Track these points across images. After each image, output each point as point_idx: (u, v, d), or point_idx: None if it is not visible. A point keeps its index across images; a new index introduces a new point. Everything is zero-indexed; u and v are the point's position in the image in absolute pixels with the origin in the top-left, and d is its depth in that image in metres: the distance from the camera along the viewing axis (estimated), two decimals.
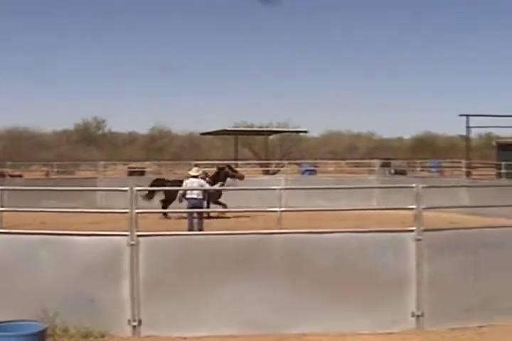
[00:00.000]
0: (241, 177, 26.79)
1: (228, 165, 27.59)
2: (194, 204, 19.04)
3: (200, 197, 19.33)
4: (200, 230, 17.40)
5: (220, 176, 26.01)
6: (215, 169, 27.10)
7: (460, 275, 10.07)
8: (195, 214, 18.81)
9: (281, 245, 9.80)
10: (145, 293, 9.60)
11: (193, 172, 20.27)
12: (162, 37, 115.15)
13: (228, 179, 26.16)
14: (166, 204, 24.68)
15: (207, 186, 19.93)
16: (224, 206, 23.72)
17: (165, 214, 23.21)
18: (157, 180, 27.36)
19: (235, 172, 27.10)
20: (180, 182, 22.53)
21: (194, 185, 19.33)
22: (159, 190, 23.65)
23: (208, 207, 23.65)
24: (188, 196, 19.50)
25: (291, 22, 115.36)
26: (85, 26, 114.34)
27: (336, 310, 9.71)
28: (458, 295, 10.03)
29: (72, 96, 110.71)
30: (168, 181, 26.16)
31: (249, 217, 21.18)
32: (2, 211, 10.18)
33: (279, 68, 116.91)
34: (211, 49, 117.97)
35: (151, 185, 25.29)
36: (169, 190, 23.48)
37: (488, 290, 10.15)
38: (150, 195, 24.35)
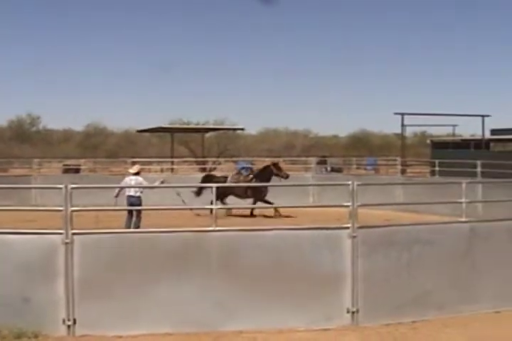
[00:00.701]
0: (286, 176, 25.58)
1: (274, 163, 26.81)
2: (132, 202, 18.91)
3: (138, 194, 19.20)
4: (138, 228, 17.31)
5: (264, 174, 25.40)
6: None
7: (394, 272, 10.22)
8: (134, 213, 18.75)
9: (217, 243, 9.82)
10: (80, 292, 9.51)
11: (133, 170, 20.15)
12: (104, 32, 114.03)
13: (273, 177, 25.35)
14: (221, 200, 23.98)
15: (145, 183, 19.78)
16: (269, 204, 23.29)
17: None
18: (207, 176, 26.94)
19: (280, 170, 25.90)
20: (226, 178, 23.27)
21: (132, 182, 19.19)
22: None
23: (254, 203, 23.52)
24: (126, 193, 19.36)
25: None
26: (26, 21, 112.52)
27: (272, 307, 9.76)
28: (392, 291, 10.18)
29: (6, 93, 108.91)
30: (217, 177, 26.02)
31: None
32: None
33: (215, 65, 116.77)
34: (145, 45, 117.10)
35: (202, 182, 24.60)
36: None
37: (420, 286, 10.34)
38: (199, 191, 24.21)
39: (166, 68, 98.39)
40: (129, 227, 17.88)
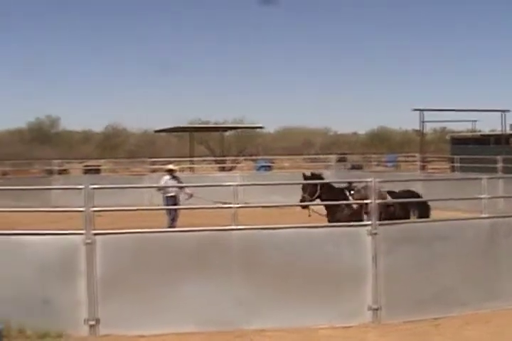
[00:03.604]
0: None
1: None
2: (172, 201, 18.90)
3: (175, 194, 19.12)
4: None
5: None
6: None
7: (415, 268, 10.19)
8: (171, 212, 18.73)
9: (238, 241, 9.82)
10: (102, 291, 9.56)
11: (171, 167, 20.14)
12: (119, 35, 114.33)
13: None
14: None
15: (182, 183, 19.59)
16: None
17: None
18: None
19: None
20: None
21: (170, 183, 19.03)
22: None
23: None
24: (165, 194, 19.33)
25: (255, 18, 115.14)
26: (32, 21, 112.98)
27: (293, 305, 9.76)
28: (413, 288, 10.15)
29: (26, 95, 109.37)
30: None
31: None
32: None
33: (234, 65, 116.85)
34: (161, 45, 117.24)
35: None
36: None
37: (442, 282, 10.30)
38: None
39: (184, 68, 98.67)
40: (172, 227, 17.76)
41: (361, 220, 11.87)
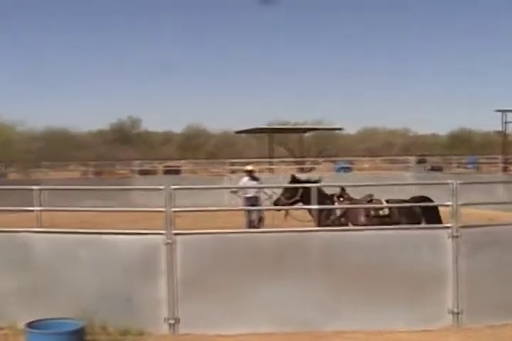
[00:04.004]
0: None
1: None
2: (252, 202, 18.87)
3: (257, 195, 19.06)
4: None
5: None
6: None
7: (498, 272, 9.99)
8: (254, 214, 18.70)
9: (318, 243, 9.78)
10: (182, 291, 9.66)
11: (249, 167, 20.09)
12: (195, 38, 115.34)
13: None
14: None
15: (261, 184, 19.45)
16: None
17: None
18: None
19: None
20: None
21: (250, 184, 18.97)
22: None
23: None
24: (244, 195, 19.39)
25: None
26: (120, 26, 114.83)
27: (372, 307, 9.69)
28: (495, 291, 9.95)
29: (108, 96, 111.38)
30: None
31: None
32: (41, 210, 10.29)
33: (314, 65, 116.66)
34: (242, 46, 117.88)
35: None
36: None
37: None
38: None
39: (265, 70, 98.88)
40: (252, 228, 17.94)
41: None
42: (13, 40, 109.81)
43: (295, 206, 13.72)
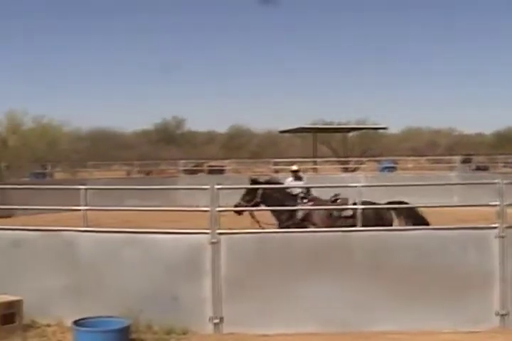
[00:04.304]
0: None
1: None
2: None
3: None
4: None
5: None
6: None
7: None
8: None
9: (360, 243, 9.76)
10: (226, 290, 9.69)
11: (294, 167, 20.01)
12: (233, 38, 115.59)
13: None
14: None
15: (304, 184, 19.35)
16: None
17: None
18: None
19: None
20: None
21: (293, 184, 18.91)
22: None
23: None
24: None
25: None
26: (168, 27, 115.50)
27: (416, 308, 9.62)
28: None
29: (153, 97, 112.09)
30: None
31: None
32: (87, 210, 10.39)
33: (359, 64, 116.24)
34: (287, 46, 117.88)
35: None
36: None
37: None
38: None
39: (308, 69, 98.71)
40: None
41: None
42: (56, 41, 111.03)
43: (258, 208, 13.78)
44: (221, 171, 42.49)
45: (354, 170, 44.12)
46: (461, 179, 31.62)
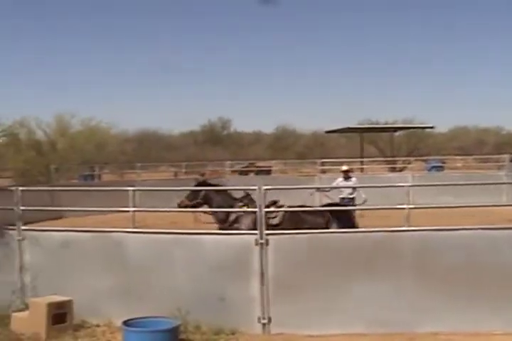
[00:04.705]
0: None
1: None
2: (345, 203, 18.67)
3: (351, 196, 18.92)
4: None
5: None
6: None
7: None
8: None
9: (410, 243, 9.66)
10: (274, 291, 9.68)
11: (344, 167, 19.91)
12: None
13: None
14: None
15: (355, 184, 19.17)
16: None
17: None
18: None
19: None
20: None
21: (345, 183, 18.83)
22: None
23: None
24: (339, 195, 19.19)
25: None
26: (226, 27, 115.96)
27: (467, 308, 9.49)
28: None
29: (199, 98, 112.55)
30: None
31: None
32: (135, 211, 10.48)
33: (404, 64, 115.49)
34: (334, 47, 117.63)
35: None
36: None
37: None
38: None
39: (355, 69, 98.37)
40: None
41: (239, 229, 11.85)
42: (106, 44, 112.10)
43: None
44: (268, 172, 42.51)
45: (401, 169, 43.85)
46: (510, 178, 31.22)
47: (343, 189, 18.89)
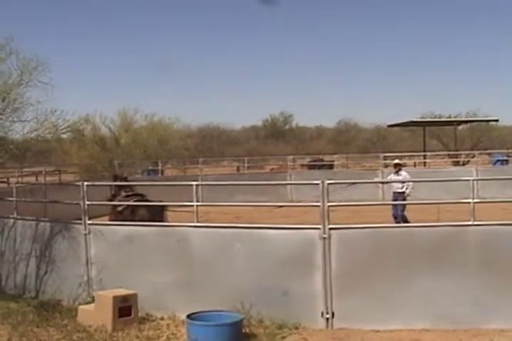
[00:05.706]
0: None
1: None
2: (396, 197, 18.84)
3: (402, 190, 18.89)
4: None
5: None
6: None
7: None
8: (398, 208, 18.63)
9: (475, 238, 9.52)
10: (337, 285, 9.65)
11: (397, 160, 20.06)
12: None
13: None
14: None
15: (408, 178, 19.18)
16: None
17: None
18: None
19: None
20: None
21: (394, 179, 18.88)
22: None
23: None
24: (392, 190, 19.38)
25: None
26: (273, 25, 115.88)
27: None
28: None
29: (261, 94, 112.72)
30: None
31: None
32: (198, 205, 10.52)
33: (467, 57, 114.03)
34: (397, 41, 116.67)
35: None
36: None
37: None
38: None
39: (418, 61, 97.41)
40: (398, 222, 17.62)
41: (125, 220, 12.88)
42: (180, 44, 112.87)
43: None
44: (330, 166, 42.37)
45: (465, 163, 43.30)
46: None
47: (393, 183, 18.97)
